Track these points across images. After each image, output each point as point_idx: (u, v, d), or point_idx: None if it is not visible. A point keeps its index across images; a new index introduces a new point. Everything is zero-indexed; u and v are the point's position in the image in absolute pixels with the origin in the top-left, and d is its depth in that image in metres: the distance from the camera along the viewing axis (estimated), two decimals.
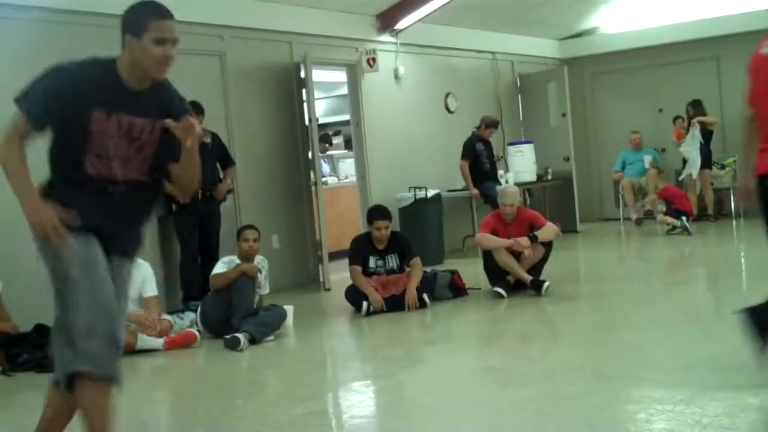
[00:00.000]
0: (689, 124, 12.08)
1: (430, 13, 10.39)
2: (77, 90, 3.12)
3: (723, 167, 12.28)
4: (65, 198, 3.16)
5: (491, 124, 10.46)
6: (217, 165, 8.07)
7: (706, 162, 12.01)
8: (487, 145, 10.53)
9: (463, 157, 10.31)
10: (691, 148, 11.84)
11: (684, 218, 10.74)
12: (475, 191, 10.21)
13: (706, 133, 11.95)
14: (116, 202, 3.24)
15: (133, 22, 3.15)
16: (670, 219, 10.90)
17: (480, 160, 10.33)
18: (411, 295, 7.24)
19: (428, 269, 7.80)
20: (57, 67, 3.16)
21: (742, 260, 9.39)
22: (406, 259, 7.52)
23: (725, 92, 12.81)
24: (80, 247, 3.13)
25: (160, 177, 3.37)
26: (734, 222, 12.02)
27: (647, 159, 12.50)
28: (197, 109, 7.65)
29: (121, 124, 3.17)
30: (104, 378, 3.13)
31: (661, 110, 13.10)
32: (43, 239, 3.06)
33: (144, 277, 6.55)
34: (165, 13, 3.16)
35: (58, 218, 3.05)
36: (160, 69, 3.18)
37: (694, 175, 11.90)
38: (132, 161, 3.23)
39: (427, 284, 7.47)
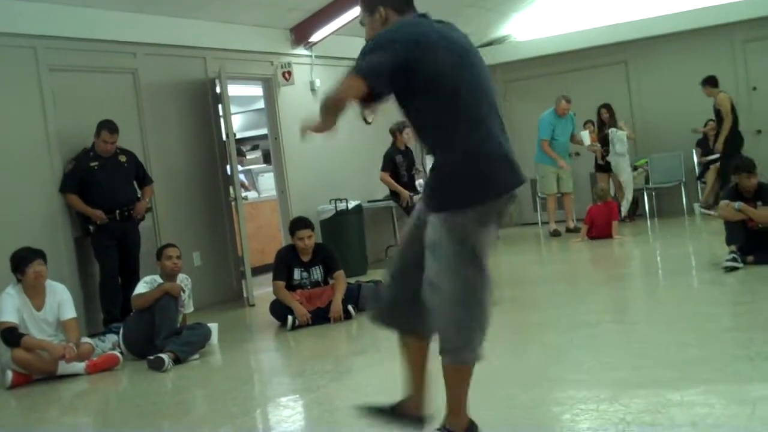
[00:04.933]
0: (602, 126, 12.35)
1: (343, 26, 10.40)
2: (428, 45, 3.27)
3: (636, 168, 12.58)
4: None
5: (401, 126, 10.16)
6: (134, 183, 7.96)
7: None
8: (407, 156, 10.55)
9: (384, 168, 10.30)
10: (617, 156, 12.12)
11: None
12: (406, 193, 10.10)
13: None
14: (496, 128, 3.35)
15: None
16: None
17: (399, 172, 10.35)
18: (337, 307, 7.24)
19: (352, 280, 7.82)
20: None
21: (659, 259, 9.64)
22: (329, 271, 7.52)
23: (634, 95, 13.16)
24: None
25: None
26: (648, 222, 12.32)
27: (585, 136, 12.06)
28: (111, 127, 7.57)
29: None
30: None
31: (574, 114, 13.35)
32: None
33: (60, 299, 6.40)
34: None
35: None
36: None
37: (623, 179, 12.18)
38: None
39: (352, 295, 7.48)
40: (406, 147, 10.54)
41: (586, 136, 12.03)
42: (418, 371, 3.56)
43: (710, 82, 11.61)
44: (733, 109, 11.46)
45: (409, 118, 3.44)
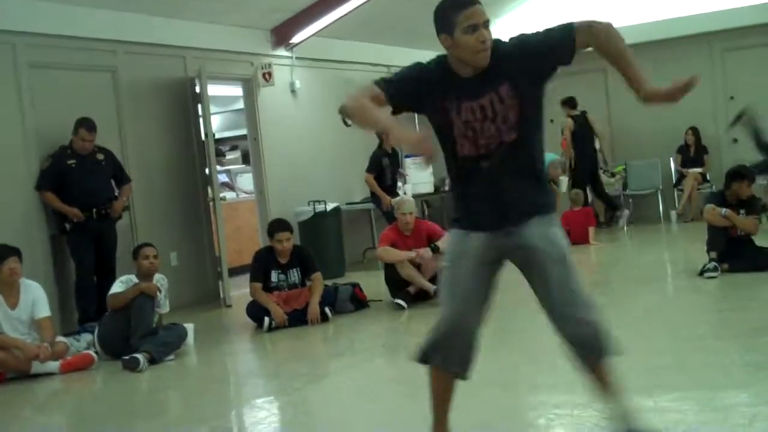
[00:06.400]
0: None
1: (324, 27, 10.42)
2: (422, 81, 3.22)
3: (613, 175, 12.66)
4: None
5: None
6: (112, 182, 7.91)
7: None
8: (393, 159, 10.51)
9: (369, 170, 10.20)
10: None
11: None
12: (387, 198, 9.95)
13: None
14: (492, 173, 3.23)
15: (442, 22, 3.12)
16: None
17: (384, 175, 10.30)
18: (314, 309, 7.23)
19: (329, 282, 7.81)
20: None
21: (635, 265, 9.68)
22: (307, 273, 7.51)
23: (613, 104, 13.21)
24: (455, 246, 3.40)
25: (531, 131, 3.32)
26: (625, 228, 12.38)
27: (563, 182, 12.18)
28: (90, 125, 7.53)
29: (474, 110, 3.16)
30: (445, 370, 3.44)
31: (552, 120, 13.37)
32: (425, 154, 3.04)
33: (35, 298, 6.35)
34: (467, 1, 3.08)
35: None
36: (481, 57, 3.11)
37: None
38: (502, 131, 3.19)
39: (329, 298, 7.48)
40: (393, 149, 10.49)
41: (563, 182, 12.12)
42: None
43: (567, 103, 11.98)
44: (575, 132, 12.12)
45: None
